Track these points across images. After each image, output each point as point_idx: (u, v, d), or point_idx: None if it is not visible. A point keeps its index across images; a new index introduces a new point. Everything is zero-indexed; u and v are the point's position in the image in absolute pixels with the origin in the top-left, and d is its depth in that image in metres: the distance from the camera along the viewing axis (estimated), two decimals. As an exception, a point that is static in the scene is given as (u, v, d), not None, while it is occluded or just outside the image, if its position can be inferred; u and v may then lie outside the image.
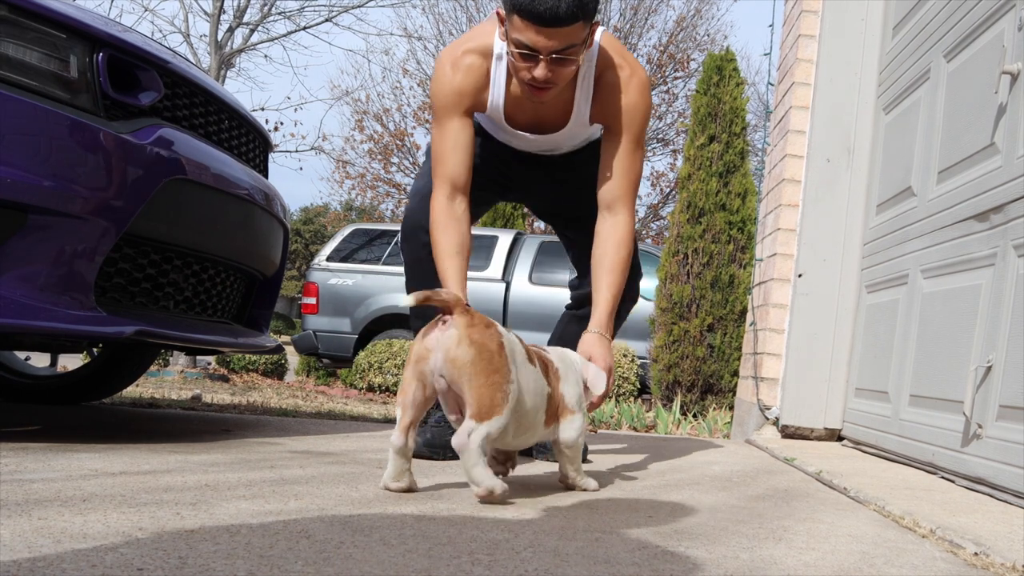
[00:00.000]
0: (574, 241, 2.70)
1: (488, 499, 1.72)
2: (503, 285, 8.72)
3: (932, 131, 3.12)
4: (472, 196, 2.35)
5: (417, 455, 2.33)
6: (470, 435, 1.67)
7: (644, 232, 21.32)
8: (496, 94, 2.32)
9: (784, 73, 4.36)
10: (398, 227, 10.42)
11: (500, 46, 2.26)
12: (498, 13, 2.19)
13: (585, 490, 2.03)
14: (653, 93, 19.96)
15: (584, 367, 2.12)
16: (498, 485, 1.71)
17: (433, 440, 2.40)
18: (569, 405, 1.99)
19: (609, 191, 2.36)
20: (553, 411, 1.95)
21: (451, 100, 2.29)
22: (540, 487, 2.04)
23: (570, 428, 1.98)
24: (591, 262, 2.38)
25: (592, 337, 2.23)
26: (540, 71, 2.11)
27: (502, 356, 1.70)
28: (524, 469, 2.35)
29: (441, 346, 1.69)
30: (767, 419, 3.90)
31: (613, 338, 2.33)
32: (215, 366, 9.49)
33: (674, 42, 20.38)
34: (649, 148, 20.90)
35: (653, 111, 19.73)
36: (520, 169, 2.59)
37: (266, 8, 15.38)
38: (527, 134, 2.42)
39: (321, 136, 25.83)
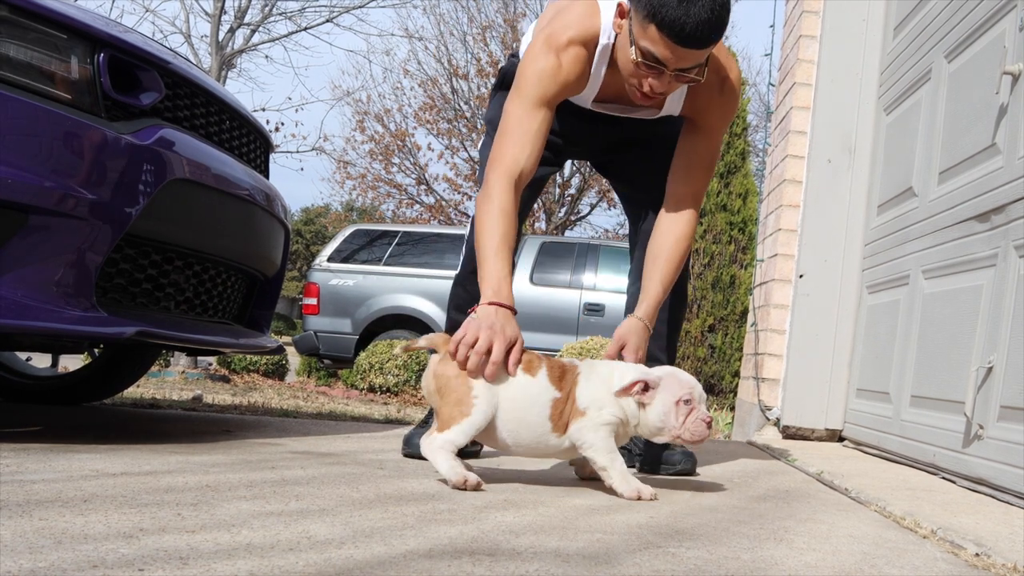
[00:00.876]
0: (641, 218, 2.56)
1: (462, 487, 1.90)
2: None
3: (933, 132, 3.12)
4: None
5: (418, 456, 2.34)
6: (432, 442, 1.96)
7: (645, 233, 21.29)
8: (593, 85, 2.24)
9: (785, 74, 4.36)
10: (399, 228, 10.49)
11: (607, 35, 2.16)
12: (621, 6, 2.10)
13: (620, 495, 1.95)
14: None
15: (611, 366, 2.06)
16: (471, 476, 1.91)
17: None
18: (579, 406, 1.96)
19: (680, 188, 2.29)
20: (559, 414, 1.95)
21: (551, 89, 2.16)
22: (541, 488, 2.03)
23: (577, 429, 1.95)
24: (647, 253, 2.30)
25: (633, 323, 2.16)
26: (661, 85, 2.05)
27: (459, 380, 1.96)
28: (533, 469, 2.35)
29: (424, 379, 2.05)
30: (768, 420, 3.89)
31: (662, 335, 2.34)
32: (216, 367, 9.49)
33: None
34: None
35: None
36: (585, 124, 2.45)
37: (267, 9, 15.40)
38: (615, 113, 2.35)
39: (322, 137, 25.80)
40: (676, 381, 2.00)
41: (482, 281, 2.07)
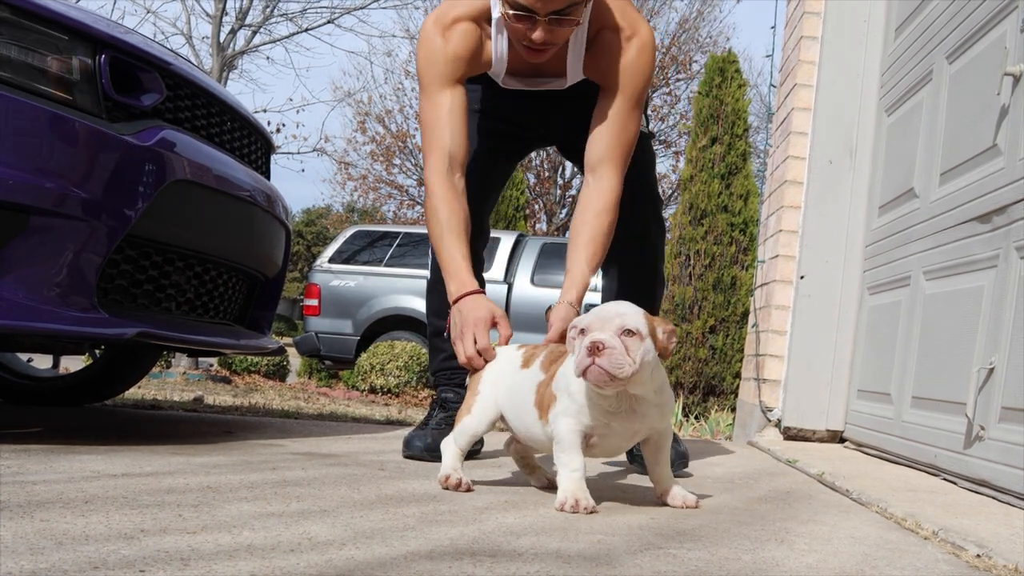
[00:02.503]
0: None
1: (442, 484, 1.90)
2: (505, 287, 8.72)
3: (934, 133, 3.12)
4: (497, 150, 2.25)
5: (419, 458, 2.35)
6: (445, 440, 1.99)
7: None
8: (499, 55, 2.22)
9: (786, 75, 4.36)
10: (400, 229, 10.49)
11: (498, 6, 2.15)
12: None
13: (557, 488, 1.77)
14: (656, 95, 20.01)
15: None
16: (453, 476, 1.91)
17: (434, 444, 2.33)
18: (552, 388, 1.81)
19: (595, 152, 2.22)
20: (541, 399, 1.84)
21: (444, 69, 2.18)
22: (542, 489, 2.03)
23: (552, 416, 1.79)
24: (571, 232, 2.23)
25: (563, 309, 2.06)
26: (538, 33, 2.03)
27: (470, 383, 2.02)
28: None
29: None
30: (769, 421, 3.89)
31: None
32: (217, 368, 9.49)
33: (676, 44, 20.39)
34: (651, 149, 20.85)
35: (655, 112, 19.84)
36: (529, 103, 2.44)
37: (268, 10, 15.41)
38: (528, 87, 2.34)
39: (323, 138, 25.87)
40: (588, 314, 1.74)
41: (444, 274, 2.14)
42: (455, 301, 2.10)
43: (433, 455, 2.32)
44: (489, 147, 2.49)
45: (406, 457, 2.41)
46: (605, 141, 2.21)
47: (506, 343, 2.04)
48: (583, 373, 1.63)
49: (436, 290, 2.49)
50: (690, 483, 2.32)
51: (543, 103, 2.44)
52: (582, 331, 1.67)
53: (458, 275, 2.11)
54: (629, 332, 1.64)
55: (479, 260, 2.47)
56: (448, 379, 2.56)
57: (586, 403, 1.73)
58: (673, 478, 1.91)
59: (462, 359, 2.04)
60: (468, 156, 2.22)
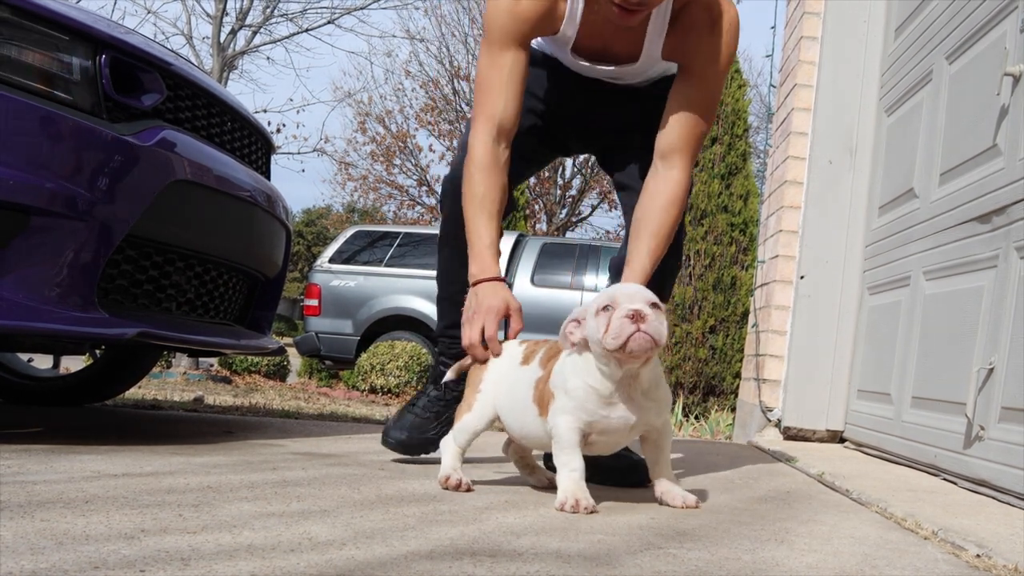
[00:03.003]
0: (627, 205, 2.32)
1: (442, 484, 1.90)
2: (505, 287, 8.72)
3: (934, 133, 3.12)
4: (522, 145, 2.07)
5: (394, 449, 2.30)
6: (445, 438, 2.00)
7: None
8: (571, 23, 2.03)
9: (786, 75, 4.36)
10: (400, 229, 10.48)
11: None
12: None
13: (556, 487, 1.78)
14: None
15: None
16: (453, 476, 1.91)
17: (409, 440, 2.28)
18: (550, 384, 1.80)
19: (668, 139, 2.06)
20: (539, 395, 1.83)
21: (511, 27, 1.99)
22: (542, 489, 2.03)
23: (551, 413, 1.78)
24: (632, 218, 2.09)
25: None
26: None
27: (469, 381, 2.00)
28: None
29: None
30: (769, 421, 3.89)
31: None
32: (217, 368, 9.49)
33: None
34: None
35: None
36: (579, 97, 2.26)
37: (268, 10, 15.41)
38: (591, 64, 2.15)
39: (323, 138, 25.86)
40: (599, 296, 1.76)
41: (469, 252, 2.01)
42: (474, 284, 2.00)
43: (408, 452, 2.28)
44: (529, 125, 2.27)
45: (382, 444, 2.33)
46: (682, 129, 2.06)
47: (514, 337, 1.99)
48: (625, 343, 1.63)
49: (449, 245, 2.26)
50: (690, 483, 2.32)
51: (595, 100, 2.25)
52: (606, 307, 1.68)
53: (481, 257, 1.99)
54: (655, 305, 1.69)
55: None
56: (449, 347, 2.35)
57: (583, 397, 1.72)
58: (674, 478, 1.90)
59: (464, 343, 1.97)
60: (517, 127, 2.07)
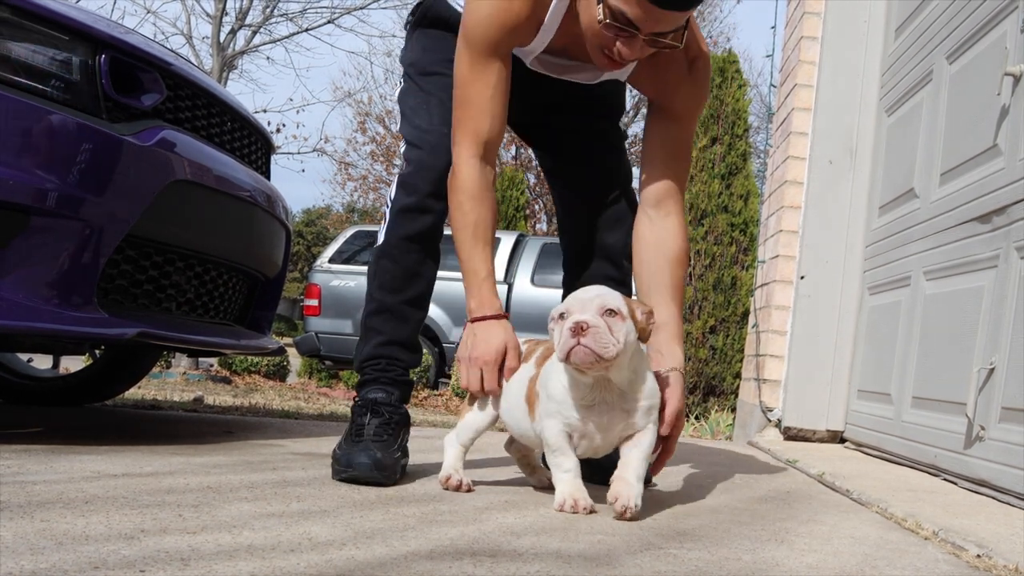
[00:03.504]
0: (571, 217, 2.28)
1: (443, 484, 1.89)
2: (505, 287, 8.72)
3: (934, 133, 3.12)
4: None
5: (366, 479, 1.90)
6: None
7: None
8: (544, 35, 1.92)
9: (786, 75, 4.36)
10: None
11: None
12: None
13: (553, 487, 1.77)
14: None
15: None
16: (454, 476, 1.90)
17: (385, 460, 1.92)
18: (536, 386, 1.77)
19: (659, 184, 1.99)
20: (531, 395, 1.80)
21: (496, 37, 1.87)
22: (542, 489, 2.03)
23: (536, 414, 1.77)
24: (639, 270, 2.02)
25: (675, 378, 1.85)
26: (630, 51, 1.76)
27: None
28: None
29: None
30: (769, 421, 3.89)
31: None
32: (217, 368, 9.49)
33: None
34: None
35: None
36: (532, 92, 2.12)
37: (268, 10, 15.42)
38: (553, 73, 2.06)
39: (323, 138, 25.89)
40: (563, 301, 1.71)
41: (465, 284, 1.95)
42: (472, 320, 1.95)
43: (385, 474, 1.91)
44: None
45: (344, 480, 1.92)
46: (672, 173, 2.00)
47: (508, 377, 1.91)
48: (567, 356, 1.59)
49: (390, 256, 2.11)
50: (690, 483, 2.32)
51: (529, 86, 2.08)
52: (562, 315, 1.64)
53: (479, 292, 1.93)
54: (611, 312, 1.62)
55: None
56: (382, 371, 2.09)
57: (561, 400, 1.70)
58: (633, 480, 1.71)
59: (463, 384, 1.93)
60: (502, 136, 1.97)
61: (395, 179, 2.13)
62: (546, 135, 2.31)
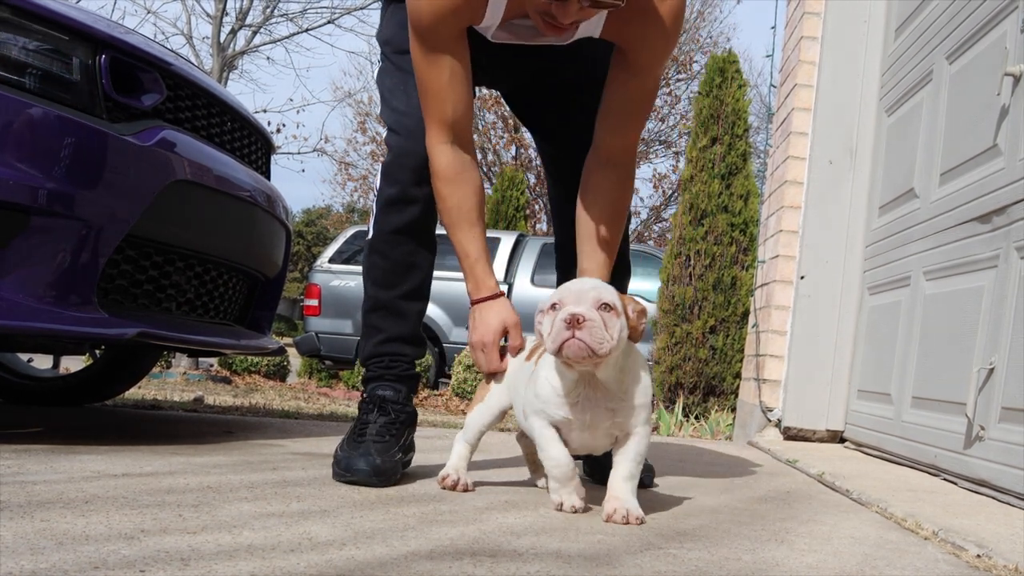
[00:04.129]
0: (557, 178, 2.20)
1: (439, 482, 1.90)
2: (505, 287, 8.72)
3: (934, 133, 3.12)
4: None
5: (365, 483, 1.89)
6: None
7: (646, 234, 21.31)
8: (495, 10, 1.85)
9: (786, 75, 4.36)
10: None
11: None
12: None
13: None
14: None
15: None
16: (451, 476, 1.90)
17: (384, 465, 1.91)
18: (529, 381, 1.77)
19: (614, 138, 1.94)
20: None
21: (439, 26, 1.81)
22: (542, 489, 2.03)
23: (525, 409, 1.77)
24: (577, 227, 1.97)
25: None
26: (569, 12, 1.66)
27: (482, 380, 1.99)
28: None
29: None
30: (769, 421, 3.89)
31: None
32: (217, 368, 9.49)
33: (677, 44, 20.38)
34: (651, 150, 20.90)
35: (655, 112, 19.83)
36: (506, 59, 2.05)
37: (268, 10, 15.42)
38: (521, 40, 1.96)
39: (323, 138, 25.91)
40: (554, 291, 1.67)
41: (462, 271, 1.95)
42: (473, 304, 1.95)
43: (382, 480, 1.89)
44: None
45: (345, 482, 1.90)
46: (626, 124, 1.93)
47: (514, 354, 1.92)
48: (559, 348, 1.55)
49: (379, 252, 2.09)
50: (690, 483, 2.32)
51: (506, 54, 2.02)
52: (553, 306, 1.60)
53: (473, 274, 1.92)
54: (607, 306, 1.58)
55: None
56: (386, 368, 2.08)
57: (546, 397, 1.68)
58: (626, 487, 1.68)
59: (478, 367, 1.97)
60: (472, 119, 1.94)
61: (379, 168, 2.11)
62: (538, 114, 2.25)
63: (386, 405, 2.02)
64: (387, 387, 2.06)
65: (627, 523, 1.62)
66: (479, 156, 20.48)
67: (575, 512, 1.70)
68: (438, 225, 2.10)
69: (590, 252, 1.95)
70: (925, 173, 3.16)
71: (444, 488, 1.89)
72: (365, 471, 1.88)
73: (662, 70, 1.97)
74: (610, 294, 1.61)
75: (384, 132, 2.11)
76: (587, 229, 1.96)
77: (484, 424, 1.94)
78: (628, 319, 1.63)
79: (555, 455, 1.70)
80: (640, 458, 1.70)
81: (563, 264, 2.27)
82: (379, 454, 1.90)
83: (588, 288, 1.61)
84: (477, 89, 2.14)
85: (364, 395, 2.08)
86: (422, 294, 2.14)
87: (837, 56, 3.88)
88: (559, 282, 2.13)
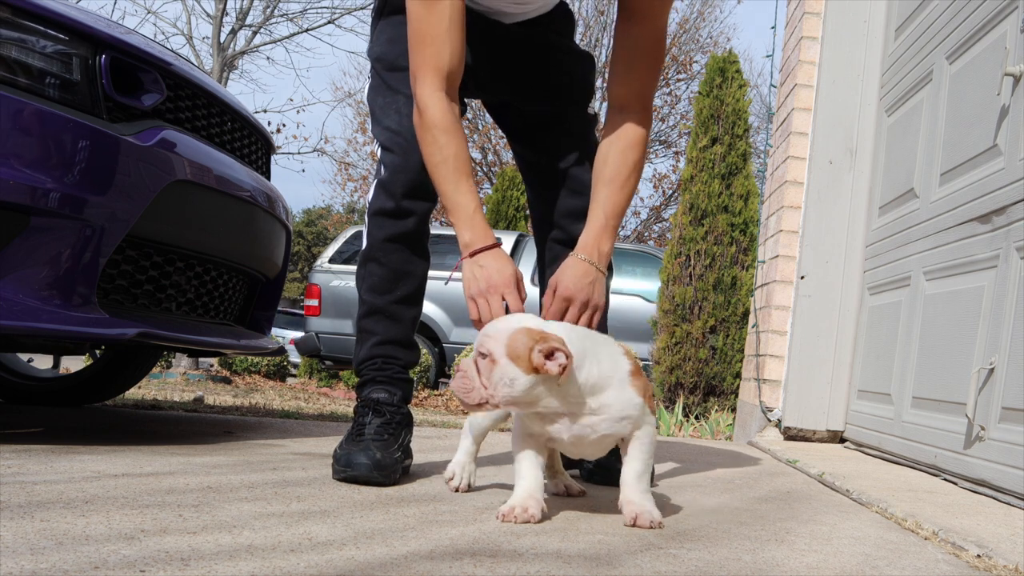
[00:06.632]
0: (536, 186, 2.23)
1: (446, 481, 1.90)
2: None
3: (934, 133, 3.12)
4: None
5: (366, 479, 1.90)
6: None
7: (646, 234, 21.31)
8: None
9: (786, 75, 4.36)
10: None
11: None
12: None
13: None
14: (656, 95, 19.89)
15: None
16: (456, 475, 1.89)
17: (384, 460, 1.91)
18: None
19: (624, 88, 1.94)
20: None
21: None
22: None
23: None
24: (593, 173, 1.95)
25: (570, 261, 1.83)
26: None
27: None
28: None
29: None
30: (769, 421, 3.89)
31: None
32: (217, 368, 9.50)
33: (677, 44, 20.40)
34: (652, 150, 20.90)
35: (655, 112, 19.83)
36: (483, 46, 2.09)
37: (268, 10, 15.42)
38: (505, 7, 2.00)
39: (323, 138, 25.91)
40: None
41: (454, 220, 1.84)
42: (473, 254, 1.81)
43: (384, 475, 1.90)
44: None
45: (344, 480, 1.92)
46: (635, 71, 1.93)
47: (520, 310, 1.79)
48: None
49: (375, 259, 2.08)
50: (691, 483, 2.32)
51: (499, 47, 2.07)
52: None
53: (472, 223, 1.81)
54: (481, 355, 1.53)
55: None
56: (379, 370, 2.08)
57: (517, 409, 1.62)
58: (639, 490, 1.66)
59: (477, 316, 1.78)
60: (463, 68, 1.89)
61: (373, 183, 2.11)
62: (520, 122, 2.25)
63: (381, 407, 2.02)
64: (381, 390, 2.05)
65: (651, 527, 1.60)
66: (479, 156, 20.56)
67: (521, 522, 1.58)
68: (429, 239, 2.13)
69: (592, 218, 1.89)
70: (925, 173, 3.16)
71: (448, 483, 1.90)
72: (366, 465, 1.88)
73: (664, 19, 1.97)
74: (492, 342, 1.53)
75: (378, 150, 2.11)
76: (601, 173, 1.92)
77: (484, 425, 1.93)
78: (530, 362, 1.50)
79: (524, 464, 1.65)
80: (647, 456, 1.66)
81: (541, 273, 2.34)
82: (379, 450, 1.91)
83: (492, 332, 1.56)
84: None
85: (358, 399, 2.07)
86: (415, 301, 2.12)
87: (837, 56, 3.88)
88: (540, 291, 2.11)
